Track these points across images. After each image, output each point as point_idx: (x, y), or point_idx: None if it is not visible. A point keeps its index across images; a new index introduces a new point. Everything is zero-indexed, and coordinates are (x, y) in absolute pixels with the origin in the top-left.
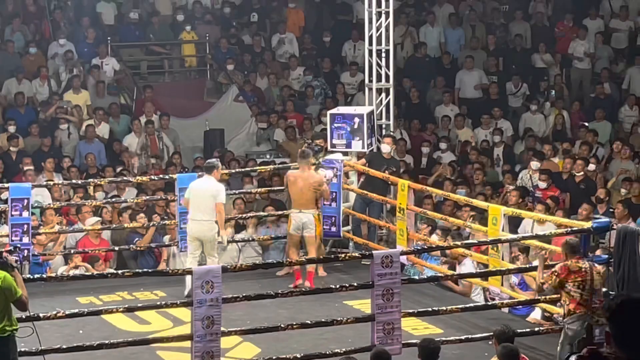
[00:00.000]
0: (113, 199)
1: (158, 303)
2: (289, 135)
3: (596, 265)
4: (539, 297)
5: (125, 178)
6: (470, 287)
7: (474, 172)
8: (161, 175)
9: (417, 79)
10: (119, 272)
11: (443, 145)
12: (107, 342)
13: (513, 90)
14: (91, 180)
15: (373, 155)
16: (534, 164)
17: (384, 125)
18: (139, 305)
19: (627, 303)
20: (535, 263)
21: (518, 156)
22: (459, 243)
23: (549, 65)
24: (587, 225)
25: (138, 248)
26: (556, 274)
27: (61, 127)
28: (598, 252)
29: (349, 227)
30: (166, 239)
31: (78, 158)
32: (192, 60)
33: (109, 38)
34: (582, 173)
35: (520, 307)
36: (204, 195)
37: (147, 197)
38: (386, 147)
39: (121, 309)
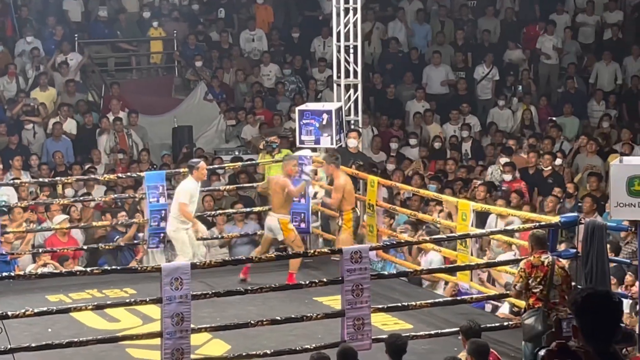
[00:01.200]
0: (82, 197)
1: (127, 300)
2: (261, 131)
3: (560, 260)
4: (507, 292)
5: (93, 176)
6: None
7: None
8: (129, 173)
9: (387, 74)
10: (88, 269)
11: (413, 141)
12: (76, 340)
13: (485, 70)
14: (58, 178)
15: (340, 150)
16: (503, 160)
17: (352, 121)
18: (108, 302)
19: (593, 296)
20: (502, 258)
21: (485, 151)
22: (427, 238)
23: (518, 61)
24: (555, 219)
25: (107, 247)
26: (523, 272)
27: (26, 127)
28: (563, 246)
29: (318, 223)
30: (141, 236)
31: (45, 155)
32: (158, 57)
33: (76, 35)
34: (549, 167)
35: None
36: (176, 195)
37: (116, 195)
38: (352, 142)
39: (90, 307)
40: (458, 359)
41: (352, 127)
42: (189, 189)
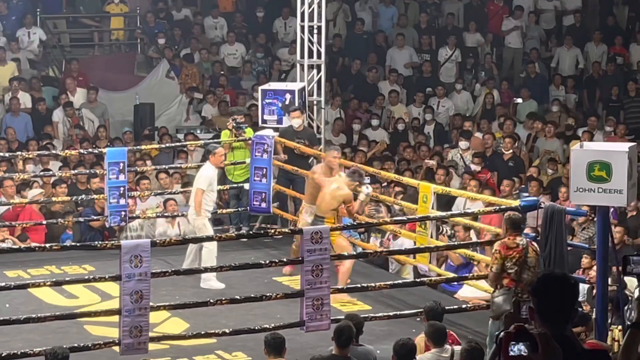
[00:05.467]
0: (41, 172)
1: (86, 277)
2: (221, 110)
3: (534, 243)
4: (468, 275)
5: (53, 152)
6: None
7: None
8: (90, 149)
9: (354, 56)
10: (47, 245)
11: (374, 122)
12: (34, 316)
13: (448, 53)
14: (19, 153)
15: (285, 130)
16: (463, 144)
17: (315, 102)
18: (67, 279)
19: (548, 278)
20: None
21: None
22: (388, 219)
23: (477, 45)
24: (515, 203)
25: (67, 222)
26: (498, 253)
27: None
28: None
29: (278, 203)
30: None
31: (3, 131)
32: (120, 33)
33: (38, 9)
34: (510, 151)
35: (455, 283)
36: (194, 181)
37: (75, 171)
38: (296, 121)
39: (49, 283)
40: (410, 339)
41: (295, 106)
42: (208, 176)
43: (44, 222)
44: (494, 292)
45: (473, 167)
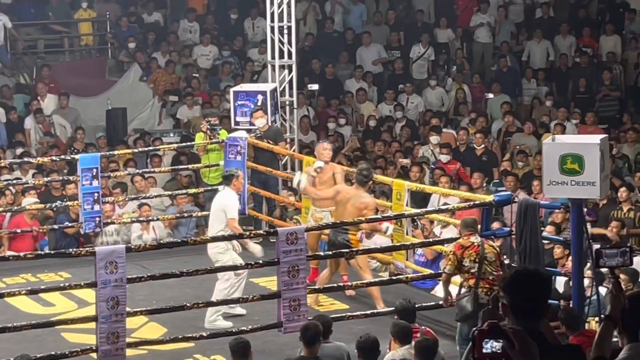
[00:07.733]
0: (14, 180)
1: (62, 284)
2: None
3: (488, 240)
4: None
5: (26, 159)
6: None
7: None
8: (63, 156)
9: (325, 55)
10: (21, 254)
11: (342, 121)
12: (10, 325)
13: (421, 50)
14: None
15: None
16: (434, 139)
17: (287, 102)
18: (43, 287)
19: (521, 273)
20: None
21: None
22: (363, 219)
23: (448, 41)
24: (489, 198)
25: (42, 230)
26: (453, 253)
27: None
28: (496, 225)
29: (254, 204)
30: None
31: None
32: (89, 38)
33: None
34: (482, 146)
35: (428, 280)
36: (215, 210)
37: (49, 178)
38: (260, 121)
39: (24, 292)
40: (369, 335)
41: (256, 106)
42: (236, 204)
43: (19, 230)
44: (458, 294)
45: (442, 157)
